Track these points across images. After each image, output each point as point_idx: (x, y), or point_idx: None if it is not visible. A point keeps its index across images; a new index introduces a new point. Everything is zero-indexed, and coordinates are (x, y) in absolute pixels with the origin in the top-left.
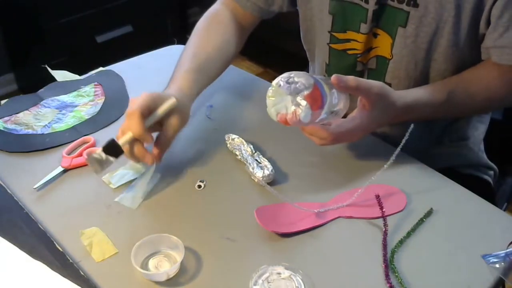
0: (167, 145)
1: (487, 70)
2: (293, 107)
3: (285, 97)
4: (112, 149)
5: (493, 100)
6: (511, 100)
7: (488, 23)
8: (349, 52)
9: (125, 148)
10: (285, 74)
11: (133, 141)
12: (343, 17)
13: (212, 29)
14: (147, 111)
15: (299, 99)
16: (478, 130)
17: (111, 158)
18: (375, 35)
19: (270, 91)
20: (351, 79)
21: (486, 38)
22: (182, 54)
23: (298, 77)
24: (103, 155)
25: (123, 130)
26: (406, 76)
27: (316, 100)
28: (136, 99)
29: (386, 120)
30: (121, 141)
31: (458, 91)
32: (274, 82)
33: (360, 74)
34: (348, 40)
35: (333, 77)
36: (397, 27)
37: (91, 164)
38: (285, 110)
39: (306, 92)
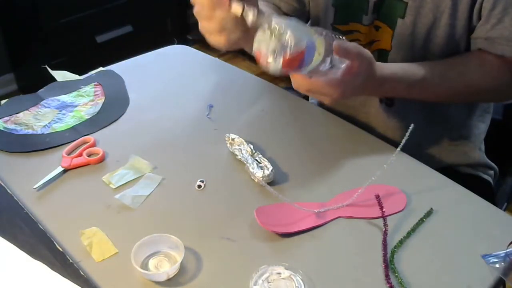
0: None
1: (468, 60)
2: (269, 52)
3: (273, 38)
4: None
5: (471, 87)
6: (492, 93)
7: (479, 16)
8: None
9: None
10: (287, 22)
11: None
12: (346, 9)
13: None
14: None
15: (277, 52)
16: (480, 129)
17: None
18: (377, 28)
19: (265, 25)
20: (352, 48)
21: (477, 29)
22: None
23: (294, 34)
24: None
25: None
26: None
27: (293, 62)
28: None
29: (365, 86)
30: None
31: (436, 71)
32: (275, 22)
33: None
34: (351, 32)
35: (334, 45)
36: (397, 18)
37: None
38: (265, 49)
39: (287, 51)
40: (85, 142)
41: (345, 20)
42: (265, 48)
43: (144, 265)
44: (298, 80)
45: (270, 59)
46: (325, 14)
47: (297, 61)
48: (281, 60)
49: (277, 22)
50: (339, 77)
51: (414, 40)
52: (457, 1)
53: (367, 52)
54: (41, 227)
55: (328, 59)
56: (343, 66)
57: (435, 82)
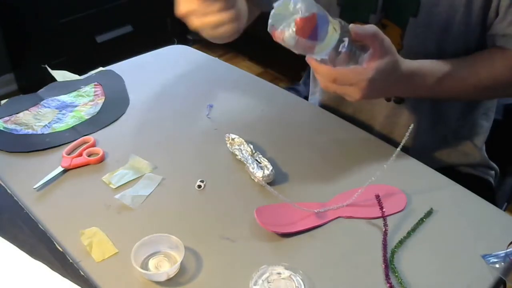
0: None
1: (492, 54)
2: (283, 27)
3: (287, 14)
4: None
5: (498, 81)
6: None
7: (497, 13)
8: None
9: None
10: (304, 2)
11: None
12: (352, 8)
13: None
14: None
15: (291, 21)
16: (483, 128)
17: None
18: (384, 26)
19: (277, 3)
20: (369, 27)
21: (494, 26)
22: None
23: (302, 2)
24: None
25: None
26: None
27: (306, 28)
28: None
29: (390, 78)
30: None
31: (463, 65)
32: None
33: None
34: None
35: (351, 26)
36: (408, 16)
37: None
38: (279, 25)
39: (298, 16)
40: (85, 142)
41: (351, 20)
42: (279, 24)
43: (144, 265)
44: (323, 70)
45: (285, 31)
46: (329, 13)
47: (310, 26)
48: (293, 25)
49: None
50: (365, 64)
51: (427, 39)
52: None
53: (387, 38)
54: (41, 227)
55: (346, 39)
56: (366, 54)
57: (464, 76)
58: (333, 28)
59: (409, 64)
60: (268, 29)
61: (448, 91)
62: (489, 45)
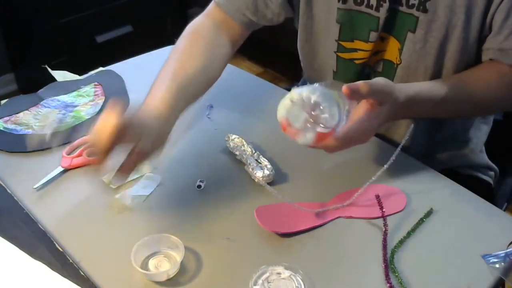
0: (131, 170)
1: (487, 71)
2: (298, 126)
3: (304, 112)
4: None
5: (493, 100)
6: (510, 103)
7: (490, 27)
8: (356, 62)
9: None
10: (322, 93)
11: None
12: (351, 26)
13: (195, 46)
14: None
15: (309, 129)
16: (482, 131)
17: None
18: (382, 39)
19: (296, 95)
20: (362, 86)
21: (489, 40)
22: (162, 70)
23: (329, 112)
24: None
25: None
26: (416, 81)
27: (323, 138)
28: (109, 118)
29: (391, 115)
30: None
31: (458, 88)
32: (305, 93)
33: (367, 77)
34: (355, 50)
35: (344, 89)
36: (406, 32)
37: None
38: (293, 120)
39: (319, 130)
40: (85, 142)
41: (350, 37)
42: (294, 119)
43: (144, 265)
44: (328, 144)
45: (301, 135)
46: (328, 30)
47: (328, 137)
48: (313, 137)
49: (309, 92)
50: (366, 118)
51: (425, 54)
52: (470, 15)
53: (381, 82)
54: (41, 227)
55: (344, 116)
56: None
57: (461, 98)
58: (343, 109)
59: (406, 92)
60: (278, 117)
61: (445, 113)
62: (483, 59)
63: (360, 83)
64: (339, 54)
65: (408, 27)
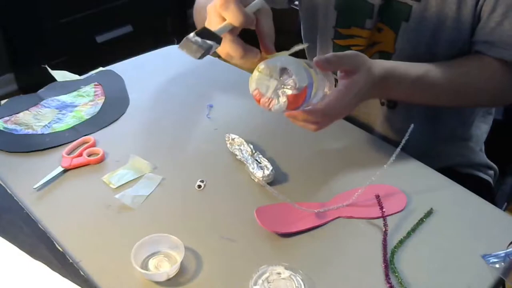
0: (272, 35)
1: (470, 59)
2: (270, 94)
3: (272, 79)
4: (207, 35)
5: (472, 89)
6: (491, 95)
7: (479, 18)
8: (353, 48)
9: (227, 39)
10: (287, 60)
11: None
12: (349, 12)
13: None
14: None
15: (281, 93)
16: (481, 130)
17: (209, 42)
18: (379, 29)
19: (262, 66)
20: (331, 57)
21: (476, 32)
22: None
23: (295, 73)
24: (199, 38)
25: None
26: None
27: (297, 101)
28: None
29: (369, 88)
30: (217, 28)
31: (436, 70)
32: (271, 61)
33: None
34: (351, 36)
35: (315, 61)
36: (401, 21)
37: (186, 48)
38: (265, 90)
39: (290, 92)
40: (85, 142)
41: (348, 24)
42: (265, 89)
43: (144, 265)
44: (310, 119)
45: (274, 101)
46: (326, 17)
47: (302, 98)
48: (285, 102)
49: (274, 61)
50: (341, 86)
51: (418, 44)
52: (461, 5)
53: (352, 52)
54: (41, 227)
55: (320, 92)
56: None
57: (438, 80)
58: (314, 88)
59: (382, 64)
60: (250, 91)
61: (424, 97)
62: (472, 51)
63: (329, 55)
64: (336, 41)
65: (402, 16)
